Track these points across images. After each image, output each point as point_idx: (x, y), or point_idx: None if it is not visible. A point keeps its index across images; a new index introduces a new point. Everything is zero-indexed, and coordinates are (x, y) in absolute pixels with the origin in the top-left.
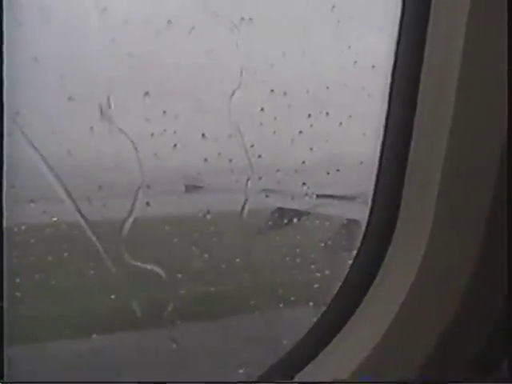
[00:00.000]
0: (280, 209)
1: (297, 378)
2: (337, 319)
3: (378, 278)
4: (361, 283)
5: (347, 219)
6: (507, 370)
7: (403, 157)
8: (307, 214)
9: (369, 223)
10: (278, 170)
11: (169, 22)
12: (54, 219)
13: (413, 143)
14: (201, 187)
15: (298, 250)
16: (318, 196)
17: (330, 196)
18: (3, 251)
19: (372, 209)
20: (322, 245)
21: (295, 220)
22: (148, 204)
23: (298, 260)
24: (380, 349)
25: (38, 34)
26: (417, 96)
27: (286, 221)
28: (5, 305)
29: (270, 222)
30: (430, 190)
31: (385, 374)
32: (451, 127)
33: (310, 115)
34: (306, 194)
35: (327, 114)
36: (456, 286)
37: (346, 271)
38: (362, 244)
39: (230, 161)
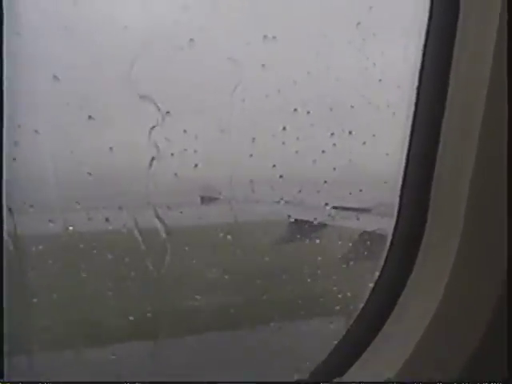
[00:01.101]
0: (297, 220)
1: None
2: (370, 325)
3: (408, 286)
4: (391, 290)
5: (364, 231)
6: (507, 369)
7: (429, 171)
8: (324, 225)
9: (394, 235)
10: (299, 191)
11: (191, 40)
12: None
13: (439, 158)
14: (217, 198)
15: (315, 261)
16: (334, 208)
17: (347, 208)
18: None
19: (397, 222)
20: (339, 256)
21: (312, 231)
22: (164, 216)
23: (315, 271)
24: (415, 354)
25: (60, 52)
26: (443, 113)
27: (303, 232)
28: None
29: (288, 234)
30: (458, 204)
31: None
32: (478, 143)
33: (332, 134)
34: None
35: (350, 132)
36: (486, 294)
37: (363, 282)
38: (388, 255)
39: (251, 181)
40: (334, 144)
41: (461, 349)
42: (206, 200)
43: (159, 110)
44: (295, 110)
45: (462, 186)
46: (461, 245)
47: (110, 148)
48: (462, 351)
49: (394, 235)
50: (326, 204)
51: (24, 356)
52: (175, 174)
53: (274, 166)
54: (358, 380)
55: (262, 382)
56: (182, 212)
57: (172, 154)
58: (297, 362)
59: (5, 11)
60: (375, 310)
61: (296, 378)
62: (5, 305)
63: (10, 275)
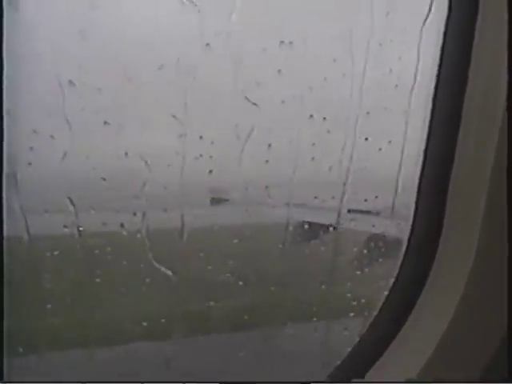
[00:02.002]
0: (306, 223)
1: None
2: (389, 325)
3: (426, 288)
4: (409, 292)
5: (373, 234)
6: (507, 369)
7: (446, 176)
8: (333, 228)
9: (411, 239)
10: (315, 197)
11: (207, 44)
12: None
13: (456, 163)
14: (227, 200)
15: (324, 264)
16: (347, 211)
17: (355, 211)
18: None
19: (413, 226)
20: (349, 259)
21: (321, 234)
22: (178, 220)
23: (324, 274)
24: (435, 356)
25: (76, 57)
26: (460, 117)
27: (312, 235)
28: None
29: (296, 236)
30: (475, 208)
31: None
32: (497, 147)
33: (348, 140)
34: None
35: (366, 139)
36: (505, 296)
37: (376, 284)
38: (405, 258)
39: (267, 187)
40: (350, 150)
41: (480, 350)
42: (216, 203)
43: (175, 115)
44: (311, 116)
45: (480, 191)
46: (479, 248)
47: (126, 153)
48: (482, 352)
49: (410, 239)
50: (340, 208)
51: (24, 356)
52: (190, 179)
53: (289, 171)
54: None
55: (278, 382)
56: (195, 215)
57: (187, 159)
58: (311, 365)
59: (19, 15)
60: (393, 312)
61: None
62: (5, 304)
63: (21, 277)
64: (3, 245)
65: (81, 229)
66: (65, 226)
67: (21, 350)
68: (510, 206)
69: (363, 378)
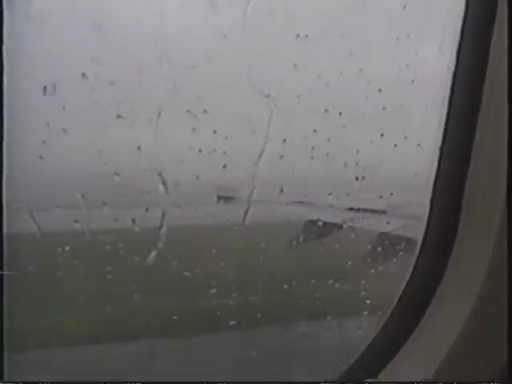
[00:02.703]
0: (313, 221)
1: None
2: (403, 325)
3: (441, 287)
4: (424, 289)
5: (387, 232)
6: (507, 369)
7: (462, 175)
8: (339, 226)
9: (425, 239)
10: (330, 194)
11: (224, 37)
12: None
13: (472, 161)
14: (233, 198)
15: (330, 262)
16: (351, 209)
17: (362, 210)
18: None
19: (428, 226)
20: (355, 257)
21: (334, 232)
22: (190, 216)
23: (336, 272)
24: (450, 355)
25: (89, 50)
26: (477, 115)
27: (325, 232)
28: None
29: (303, 235)
30: (492, 207)
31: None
32: None
33: (364, 135)
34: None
35: (382, 135)
36: None
37: (385, 282)
38: (419, 258)
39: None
40: (366, 146)
41: (496, 350)
42: (228, 200)
43: (189, 110)
44: (326, 110)
45: (497, 190)
46: (495, 247)
47: (139, 147)
48: (498, 352)
49: (425, 238)
50: (348, 206)
51: (24, 356)
52: (203, 174)
53: (304, 167)
54: (392, 381)
55: (290, 383)
56: (207, 212)
57: (201, 154)
58: (324, 364)
59: (31, 9)
60: (407, 311)
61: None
62: (5, 304)
63: (31, 273)
64: (3, 244)
65: (92, 225)
66: (76, 222)
67: (26, 347)
68: None
69: (376, 378)
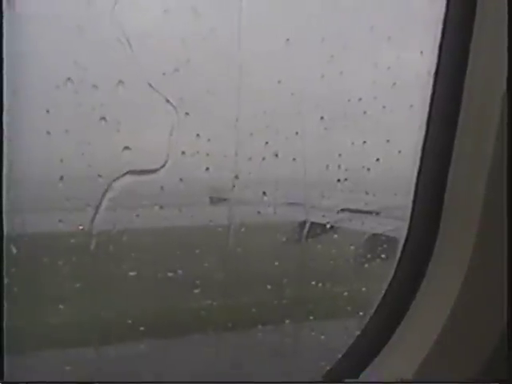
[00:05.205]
0: (305, 222)
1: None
2: (385, 325)
3: (422, 287)
4: (405, 291)
5: (371, 233)
6: (507, 369)
7: (443, 175)
8: (332, 228)
9: (408, 238)
10: (313, 196)
11: (206, 39)
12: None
13: (453, 162)
14: (225, 199)
15: (323, 263)
16: (342, 210)
17: (355, 211)
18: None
19: (411, 225)
20: (347, 258)
21: (321, 234)
22: (175, 217)
23: (322, 273)
24: (430, 356)
25: (72, 53)
26: (458, 116)
27: (311, 234)
28: None
29: (295, 235)
30: (472, 207)
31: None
32: (494, 145)
33: (346, 138)
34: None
35: (364, 142)
36: (501, 297)
37: (374, 283)
38: (401, 257)
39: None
40: (347, 148)
41: (476, 350)
42: (215, 201)
43: (176, 111)
44: (309, 113)
45: (477, 190)
46: (476, 248)
47: (123, 149)
48: (478, 352)
49: (406, 239)
50: (337, 207)
51: (24, 356)
52: (187, 176)
53: (287, 169)
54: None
55: (274, 382)
56: (192, 213)
57: (184, 156)
58: (309, 363)
59: (15, 13)
60: (389, 312)
61: (308, 379)
62: (6, 304)
63: (17, 275)
64: (3, 244)
65: (80, 227)
66: (60, 221)
67: (22, 349)
68: (509, 206)
69: (357, 378)
